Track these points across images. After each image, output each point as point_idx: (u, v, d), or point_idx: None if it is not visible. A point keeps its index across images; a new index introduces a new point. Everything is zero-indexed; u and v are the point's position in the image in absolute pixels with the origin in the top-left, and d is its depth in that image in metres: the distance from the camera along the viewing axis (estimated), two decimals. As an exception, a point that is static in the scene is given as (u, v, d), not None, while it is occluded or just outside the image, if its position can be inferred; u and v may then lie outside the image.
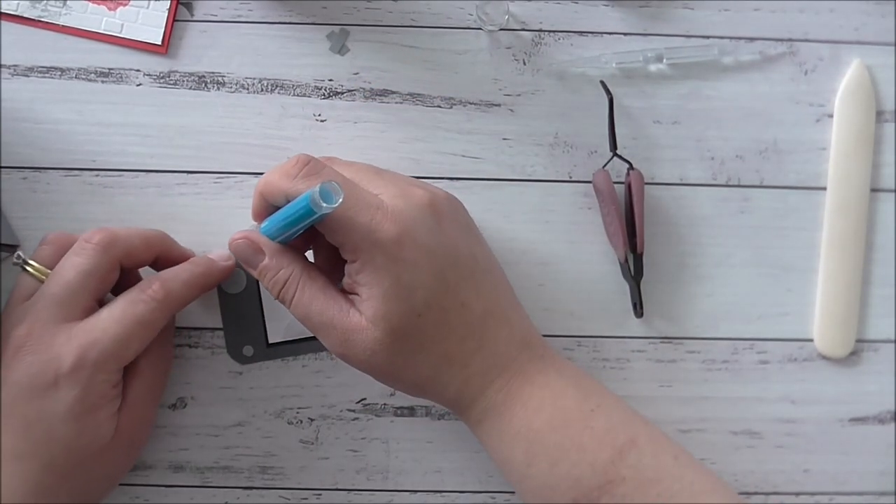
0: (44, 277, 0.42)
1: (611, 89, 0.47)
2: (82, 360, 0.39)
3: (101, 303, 0.42)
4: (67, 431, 0.39)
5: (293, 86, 0.48)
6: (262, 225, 0.41)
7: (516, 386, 0.40)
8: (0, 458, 0.39)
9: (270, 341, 0.47)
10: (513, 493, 0.47)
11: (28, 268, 0.42)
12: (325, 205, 0.36)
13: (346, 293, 0.40)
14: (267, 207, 0.41)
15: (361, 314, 0.39)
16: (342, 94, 0.48)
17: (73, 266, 0.41)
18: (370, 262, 0.38)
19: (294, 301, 0.40)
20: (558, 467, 0.39)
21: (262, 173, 0.47)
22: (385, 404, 0.48)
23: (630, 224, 0.47)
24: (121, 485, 0.46)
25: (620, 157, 0.47)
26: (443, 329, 0.39)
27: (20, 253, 0.42)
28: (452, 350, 0.40)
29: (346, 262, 0.39)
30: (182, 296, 0.42)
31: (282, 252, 0.40)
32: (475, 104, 0.48)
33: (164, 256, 0.44)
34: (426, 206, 0.40)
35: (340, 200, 0.36)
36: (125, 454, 0.43)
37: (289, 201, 0.39)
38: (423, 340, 0.39)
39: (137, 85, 0.47)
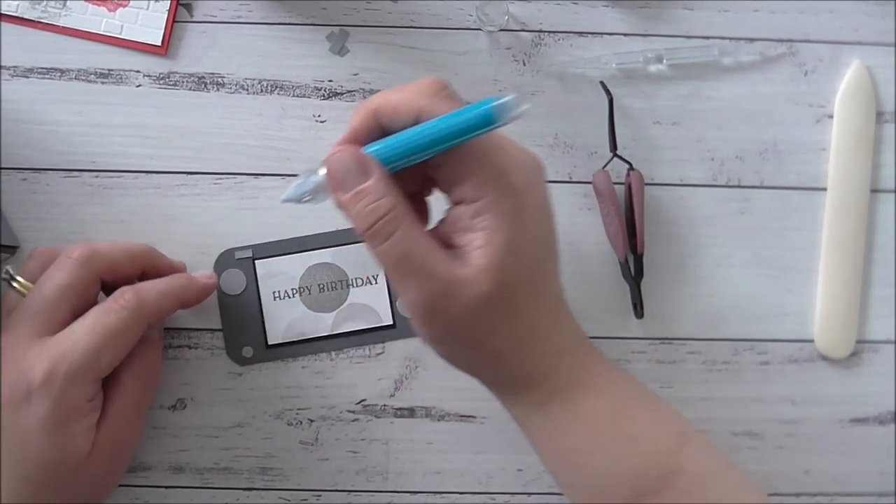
0: (27, 292, 0.41)
1: (611, 90, 0.47)
2: (53, 372, 0.38)
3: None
4: (40, 445, 0.38)
5: (293, 87, 0.48)
6: (372, 146, 0.35)
7: (582, 370, 0.39)
8: None
9: (270, 342, 0.47)
10: (512, 493, 0.47)
11: (14, 283, 0.42)
12: (516, 111, 0.32)
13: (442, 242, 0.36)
14: (373, 130, 0.36)
15: (470, 265, 0.34)
16: (342, 94, 0.48)
17: (51, 280, 0.40)
18: (497, 204, 0.34)
19: (394, 238, 0.34)
20: (618, 456, 0.38)
21: (261, 174, 0.47)
22: (385, 405, 0.47)
23: (630, 225, 0.47)
24: (120, 486, 0.46)
25: (620, 157, 0.47)
26: (537, 296, 0.36)
27: (9, 268, 0.42)
28: (538, 322, 0.37)
29: (419, 212, 0.37)
30: (156, 306, 0.41)
31: (389, 179, 0.35)
32: (475, 105, 0.48)
33: (151, 271, 0.44)
34: (541, 166, 0.37)
35: (527, 107, 0.32)
36: (105, 471, 0.42)
37: (419, 121, 0.34)
38: (520, 305, 0.36)
39: (137, 86, 0.47)
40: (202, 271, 0.45)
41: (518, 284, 0.35)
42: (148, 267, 0.44)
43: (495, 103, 0.32)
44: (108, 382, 0.41)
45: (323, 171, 0.35)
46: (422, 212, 0.39)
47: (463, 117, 0.33)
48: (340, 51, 0.48)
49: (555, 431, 0.39)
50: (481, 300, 0.35)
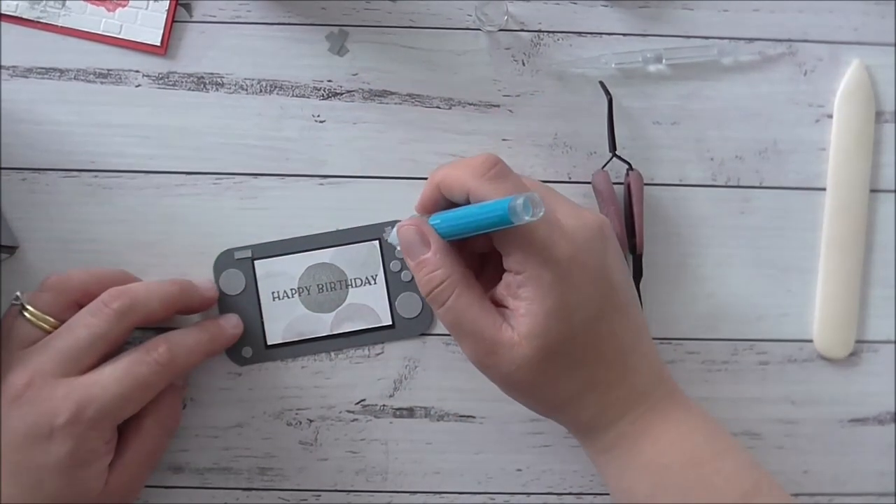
0: (44, 325, 0.42)
1: (610, 90, 0.47)
2: (78, 416, 0.39)
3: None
4: (56, 484, 0.39)
5: (292, 87, 0.48)
6: (433, 218, 0.40)
7: (649, 420, 0.40)
8: None
9: (269, 342, 0.47)
10: (511, 493, 0.47)
11: (27, 314, 0.42)
12: (525, 217, 0.35)
13: (495, 303, 0.39)
14: (439, 200, 0.41)
15: (514, 329, 0.38)
16: (341, 94, 0.48)
17: (87, 326, 0.41)
18: (537, 278, 0.37)
19: (447, 305, 0.39)
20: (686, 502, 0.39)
21: (261, 174, 0.47)
22: (384, 405, 0.48)
23: (629, 225, 0.47)
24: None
25: (620, 157, 0.47)
26: (592, 354, 0.39)
27: (19, 294, 0.42)
28: (597, 376, 0.39)
29: (492, 269, 0.40)
30: (186, 362, 0.42)
31: (446, 250, 0.39)
32: (474, 105, 0.48)
33: (184, 309, 0.45)
34: (597, 229, 0.39)
35: (541, 214, 0.35)
36: None
37: (470, 200, 0.39)
38: (572, 363, 0.39)
39: (136, 86, 0.47)
40: (228, 315, 0.46)
41: (563, 347, 0.38)
42: (181, 307, 0.44)
43: (509, 205, 0.35)
44: (129, 425, 0.42)
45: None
46: (486, 273, 0.42)
47: (482, 213, 0.37)
48: (340, 51, 0.48)
49: (620, 475, 0.41)
50: (525, 361, 0.38)
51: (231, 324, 0.45)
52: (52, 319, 0.42)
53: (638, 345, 0.40)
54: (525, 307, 0.38)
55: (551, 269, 0.37)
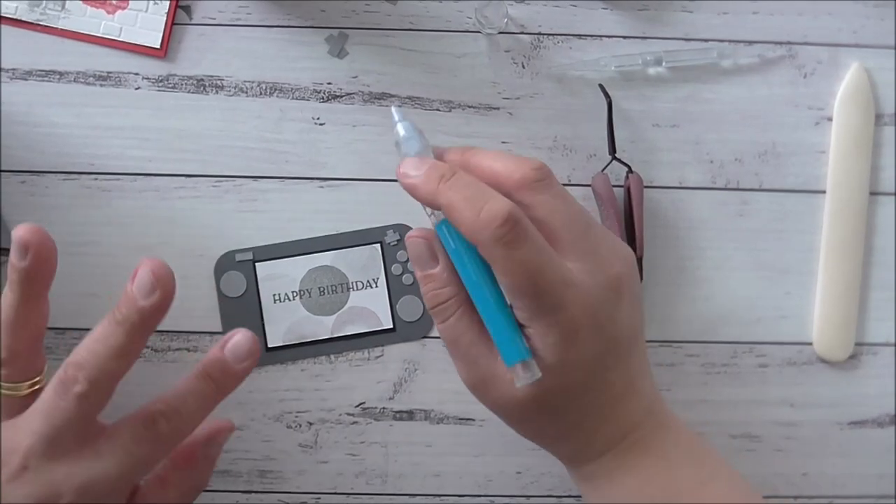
0: (17, 392, 0.37)
1: (610, 93, 0.47)
2: (82, 497, 0.35)
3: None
4: None
5: (292, 89, 0.48)
6: (446, 232, 0.38)
7: (632, 455, 0.39)
8: None
9: (270, 345, 0.47)
10: (511, 496, 0.47)
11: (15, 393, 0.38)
12: (517, 379, 0.36)
13: None
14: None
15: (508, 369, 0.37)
16: (341, 97, 0.48)
17: (59, 411, 0.35)
18: (542, 336, 0.36)
19: (448, 323, 0.38)
20: None
21: (260, 177, 0.47)
22: (384, 408, 0.48)
23: (629, 227, 0.47)
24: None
25: (619, 160, 0.47)
26: (582, 405, 0.38)
27: None
28: (585, 420, 0.39)
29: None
30: (191, 426, 0.37)
31: (453, 269, 0.38)
32: (474, 107, 0.48)
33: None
34: (615, 287, 0.38)
35: (534, 379, 0.36)
36: None
37: (508, 197, 0.36)
38: (561, 410, 0.38)
39: (136, 88, 0.47)
40: (235, 342, 0.38)
41: (553, 399, 0.38)
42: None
43: (516, 364, 0.36)
44: (155, 483, 0.39)
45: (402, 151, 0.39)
46: None
47: (489, 321, 0.37)
48: (339, 53, 0.48)
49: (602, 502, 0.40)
50: (513, 402, 0.38)
51: (239, 356, 0.37)
52: (24, 385, 0.38)
53: (633, 385, 0.40)
54: None
55: (556, 329, 0.36)
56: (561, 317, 0.36)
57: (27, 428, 0.36)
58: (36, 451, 0.36)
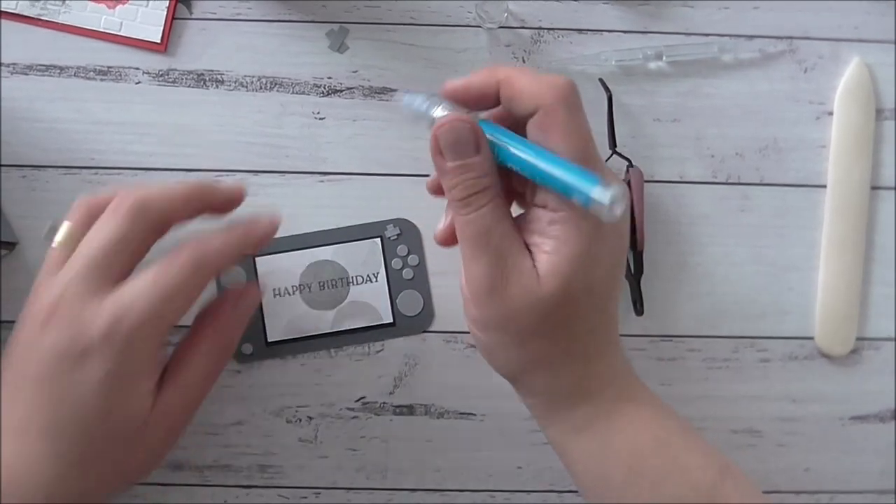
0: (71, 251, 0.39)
1: (610, 87, 0.47)
2: (114, 329, 0.36)
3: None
4: (99, 406, 0.36)
5: (292, 84, 0.48)
6: (489, 125, 0.36)
7: (626, 399, 0.38)
8: (29, 436, 0.36)
9: (270, 340, 0.47)
10: (511, 491, 0.47)
11: (54, 243, 0.39)
12: (602, 211, 0.33)
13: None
14: (487, 97, 0.37)
15: (535, 263, 0.36)
16: (341, 91, 0.48)
17: (102, 235, 0.38)
18: (575, 220, 0.35)
19: (481, 212, 0.36)
20: (661, 488, 0.37)
21: (261, 171, 0.47)
22: (384, 403, 0.47)
23: (630, 222, 0.47)
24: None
25: (620, 154, 0.47)
26: (594, 316, 0.37)
27: (52, 224, 0.40)
28: (590, 340, 0.37)
29: (521, 199, 0.37)
30: (218, 261, 0.39)
31: (493, 160, 0.36)
32: (475, 102, 0.48)
33: (209, 210, 0.41)
34: (627, 197, 0.37)
35: (618, 214, 0.33)
36: (162, 437, 0.39)
37: (534, 113, 0.35)
38: (573, 317, 0.36)
39: (136, 83, 0.47)
40: (266, 212, 0.41)
41: (576, 298, 0.36)
42: (202, 205, 0.41)
43: (596, 194, 0.33)
44: (181, 345, 0.40)
45: (437, 114, 0.37)
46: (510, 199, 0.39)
47: (554, 173, 0.34)
48: (340, 48, 0.48)
49: (594, 459, 0.38)
50: (536, 301, 0.35)
51: (263, 222, 0.40)
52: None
53: (617, 331, 0.39)
54: (553, 245, 0.35)
55: (588, 215, 0.34)
56: None
57: (67, 267, 0.38)
58: (72, 289, 0.37)
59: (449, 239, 0.40)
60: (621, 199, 0.33)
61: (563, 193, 0.34)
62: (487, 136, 0.36)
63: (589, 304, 0.37)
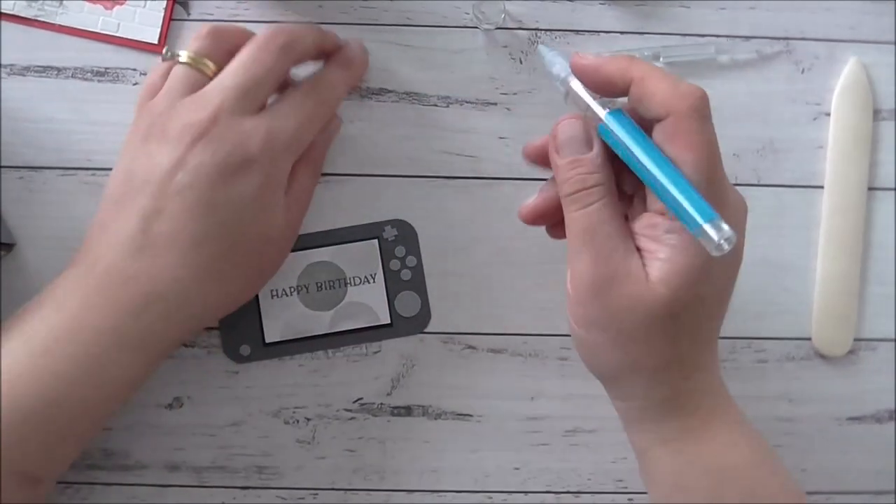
0: (205, 69, 0.42)
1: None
2: (270, 144, 0.40)
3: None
4: (252, 215, 0.40)
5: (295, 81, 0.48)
6: (616, 122, 0.36)
7: (717, 416, 0.38)
8: (175, 249, 0.39)
9: (267, 340, 0.47)
10: (508, 492, 0.47)
11: (186, 59, 0.42)
12: (710, 247, 0.33)
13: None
14: (616, 87, 0.36)
15: (645, 267, 0.35)
16: (339, 92, 0.48)
17: (258, 62, 0.41)
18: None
19: (590, 209, 0.36)
20: None
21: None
22: (382, 404, 0.47)
23: (627, 222, 0.47)
24: (115, 484, 0.46)
25: (617, 155, 0.47)
26: (698, 329, 0.37)
27: (170, 47, 0.43)
28: (690, 352, 0.37)
29: (639, 201, 0.37)
30: (339, 97, 0.45)
31: (607, 159, 0.37)
32: (472, 103, 0.48)
33: (331, 52, 0.45)
34: (746, 212, 0.38)
35: (727, 250, 0.33)
36: (288, 243, 0.45)
37: (662, 132, 0.35)
38: (679, 328, 0.36)
39: (134, 84, 0.47)
40: (350, 43, 0.46)
41: (684, 310, 0.35)
42: (329, 48, 0.45)
43: (708, 229, 0.33)
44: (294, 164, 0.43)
45: (573, 86, 0.38)
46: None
47: (683, 207, 0.34)
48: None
49: (676, 472, 0.38)
50: (641, 305, 0.35)
51: (358, 50, 0.46)
52: (211, 63, 0.42)
53: (716, 344, 0.39)
54: (667, 253, 0.35)
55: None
56: (724, 214, 0.34)
57: (218, 87, 0.41)
58: (226, 107, 0.40)
59: (531, 216, 0.40)
60: (731, 240, 0.32)
61: (676, 215, 0.34)
62: (616, 132, 0.36)
63: (696, 318, 0.36)
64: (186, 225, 0.39)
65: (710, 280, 0.36)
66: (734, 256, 0.37)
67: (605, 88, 0.37)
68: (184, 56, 0.42)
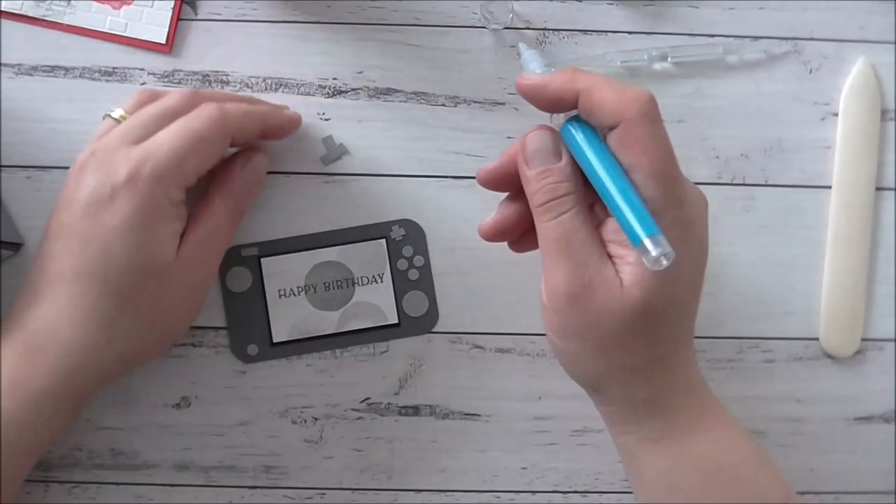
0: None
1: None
2: (137, 171, 0.39)
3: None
4: (124, 245, 0.39)
5: (297, 84, 0.48)
6: (573, 130, 0.37)
7: (703, 411, 0.38)
8: (61, 283, 0.39)
9: (275, 340, 0.47)
10: (516, 492, 0.47)
11: (114, 115, 0.42)
12: (645, 260, 0.33)
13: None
14: (565, 102, 0.37)
15: (618, 273, 0.36)
16: (346, 92, 0.48)
17: (157, 103, 0.41)
18: (664, 228, 0.35)
19: (562, 219, 0.36)
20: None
21: (267, 172, 0.47)
22: (389, 404, 0.47)
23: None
24: (124, 484, 0.46)
25: (625, 155, 0.47)
26: (676, 326, 0.37)
27: (109, 111, 0.43)
28: (671, 351, 0.37)
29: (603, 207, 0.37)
30: (239, 121, 0.42)
31: (575, 167, 0.37)
32: (480, 103, 0.48)
33: (266, 132, 0.44)
34: (706, 205, 0.38)
35: (664, 266, 0.33)
36: (189, 283, 0.42)
37: (614, 126, 0.35)
38: (656, 328, 0.36)
39: (142, 84, 0.47)
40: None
41: (659, 310, 0.36)
42: (264, 129, 0.44)
43: (647, 243, 0.33)
44: (199, 202, 0.43)
45: (537, 71, 0.40)
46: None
47: (619, 206, 0.34)
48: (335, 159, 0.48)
49: (664, 470, 0.38)
50: (618, 311, 0.35)
51: (288, 111, 0.46)
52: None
53: (693, 340, 0.39)
54: (637, 257, 0.35)
55: (679, 228, 0.35)
56: (684, 212, 0.35)
57: (113, 131, 0.41)
58: (109, 141, 0.40)
59: (491, 233, 0.40)
60: (670, 256, 0.33)
61: (620, 226, 0.34)
62: (570, 142, 0.36)
63: (671, 316, 0.36)
64: (67, 262, 0.39)
65: (682, 277, 0.36)
66: (701, 251, 0.37)
67: (554, 106, 0.37)
68: (114, 114, 0.43)
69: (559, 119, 0.38)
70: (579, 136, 0.36)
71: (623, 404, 0.38)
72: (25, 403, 0.38)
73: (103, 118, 0.43)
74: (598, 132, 0.36)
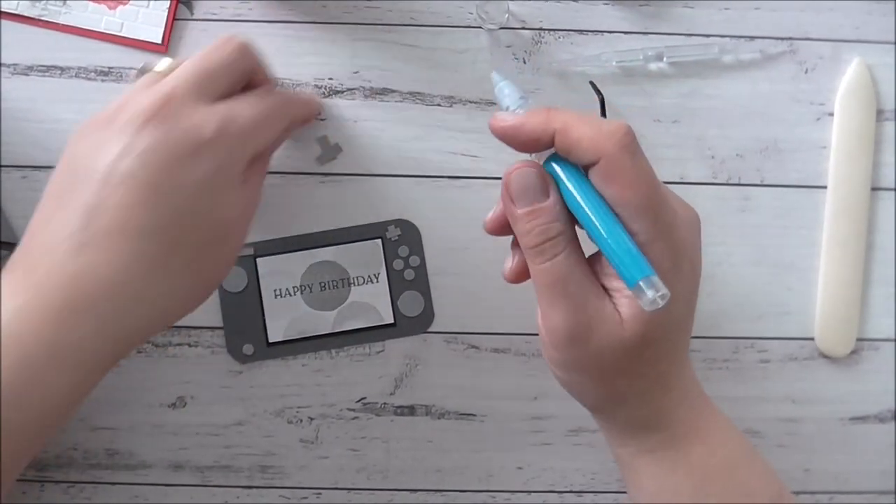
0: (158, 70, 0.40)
1: (611, 88, 0.47)
2: (224, 130, 0.37)
3: None
4: (202, 203, 0.37)
5: (293, 85, 0.48)
6: (555, 167, 0.36)
7: (699, 420, 0.39)
8: (122, 238, 0.36)
9: (270, 340, 0.47)
10: (511, 491, 0.47)
11: (158, 67, 0.40)
12: (642, 302, 0.33)
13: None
14: (541, 143, 0.36)
15: (616, 307, 0.35)
16: (342, 92, 0.48)
17: (215, 55, 0.39)
18: (656, 259, 0.35)
19: (556, 261, 0.35)
20: None
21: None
22: (385, 404, 0.47)
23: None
24: (120, 483, 0.46)
25: (621, 155, 0.47)
26: (673, 350, 0.37)
27: (146, 63, 0.41)
28: (668, 372, 0.37)
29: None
30: (295, 109, 0.43)
31: (563, 204, 0.36)
32: (475, 103, 0.48)
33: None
34: (699, 224, 0.38)
35: (660, 306, 0.33)
36: (240, 241, 0.40)
37: (595, 162, 0.34)
38: (656, 356, 0.37)
39: (137, 84, 0.47)
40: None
41: (658, 338, 0.36)
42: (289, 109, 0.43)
43: (643, 284, 0.33)
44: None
45: (517, 111, 0.38)
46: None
47: (609, 247, 0.34)
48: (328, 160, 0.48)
49: (661, 478, 0.38)
50: (619, 344, 0.35)
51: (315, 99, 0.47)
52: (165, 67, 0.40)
53: (688, 352, 0.39)
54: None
55: (672, 255, 0.35)
56: (674, 239, 0.35)
57: (172, 76, 0.38)
58: (179, 93, 0.38)
59: (519, 277, 0.39)
60: (665, 297, 0.33)
61: (615, 268, 0.34)
62: (564, 181, 0.35)
63: (670, 340, 0.37)
64: (133, 215, 0.36)
65: (677, 301, 0.36)
66: (694, 271, 0.37)
67: (530, 147, 0.36)
68: (156, 67, 0.41)
69: (541, 155, 0.37)
70: (563, 175, 0.36)
71: (623, 423, 0.39)
72: (76, 370, 0.35)
73: (137, 74, 0.41)
74: (580, 169, 0.36)
